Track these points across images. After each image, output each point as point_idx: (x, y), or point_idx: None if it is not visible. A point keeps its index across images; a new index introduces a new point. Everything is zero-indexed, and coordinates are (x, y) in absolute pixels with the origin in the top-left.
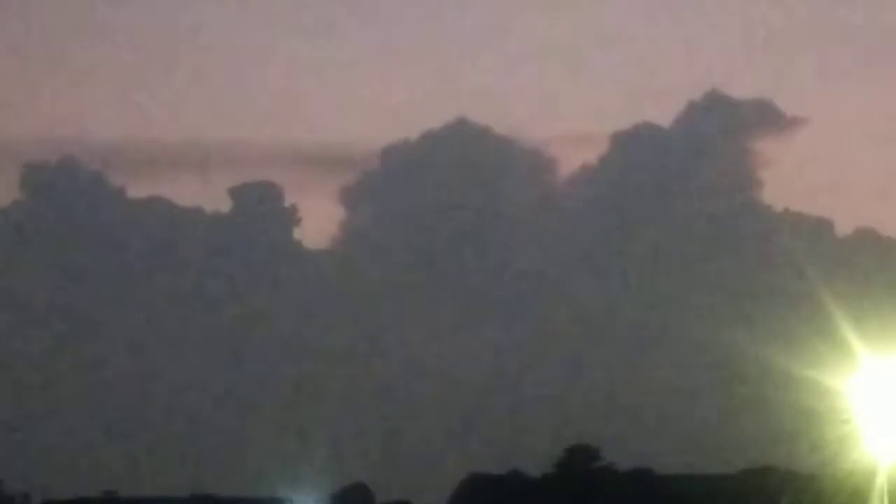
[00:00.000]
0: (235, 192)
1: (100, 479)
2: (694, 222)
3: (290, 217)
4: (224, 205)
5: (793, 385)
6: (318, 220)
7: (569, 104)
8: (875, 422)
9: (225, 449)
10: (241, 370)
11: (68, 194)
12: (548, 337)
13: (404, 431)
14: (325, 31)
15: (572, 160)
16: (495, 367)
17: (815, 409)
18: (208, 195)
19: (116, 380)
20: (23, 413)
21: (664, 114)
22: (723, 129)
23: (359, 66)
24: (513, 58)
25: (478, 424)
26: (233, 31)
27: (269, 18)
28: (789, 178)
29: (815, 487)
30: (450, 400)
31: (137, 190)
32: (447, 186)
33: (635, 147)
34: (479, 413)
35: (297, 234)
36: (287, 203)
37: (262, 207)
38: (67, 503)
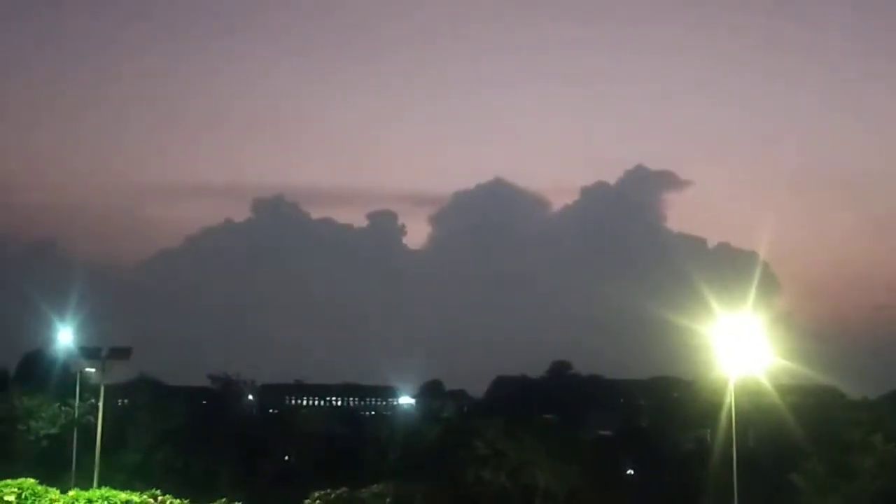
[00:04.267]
0: (371, 216)
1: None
2: (628, 238)
3: (400, 231)
4: (363, 223)
5: (678, 329)
6: (417, 233)
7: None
8: (726, 352)
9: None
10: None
11: (279, 216)
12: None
13: (458, 350)
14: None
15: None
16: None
17: (692, 343)
18: (355, 217)
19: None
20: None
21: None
22: (647, 187)
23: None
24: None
25: (503, 351)
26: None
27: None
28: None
29: (694, 389)
30: (485, 334)
31: (316, 214)
32: (486, 215)
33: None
34: (504, 342)
35: (405, 240)
36: (399, 222)
37: (385, 224)
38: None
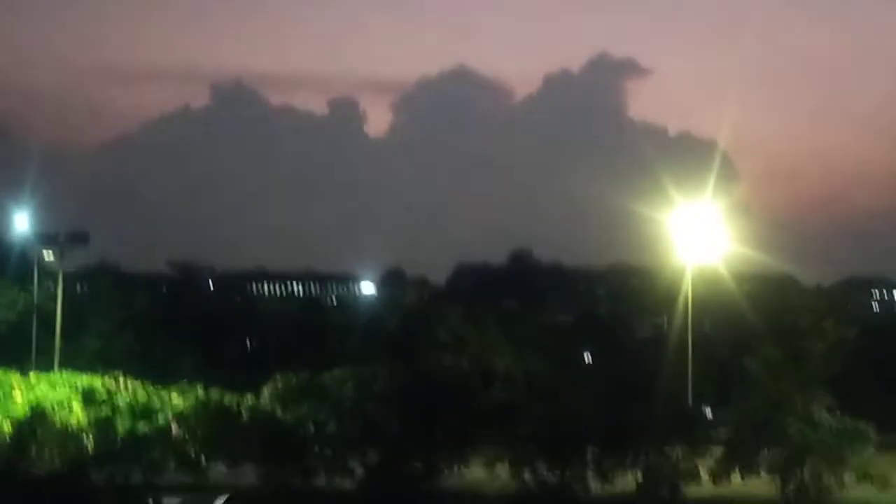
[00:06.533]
0: (331, 103)
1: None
2: (589, 126)
3: (362, 118)
4: (325, 109)
5: (638, 217)
6: (379, 120)
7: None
8: (684, 240)
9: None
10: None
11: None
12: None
13: (420, 238)
14: None
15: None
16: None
17: (651, 231)
18: (315, 104)
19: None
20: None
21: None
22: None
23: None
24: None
25: (464, 239)
26: None
27: None
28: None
29: (652, 277)
30: (446, 222)
31: (276, 100)
32: (448, 103)
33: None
34: (466, 230)
35: (367, 128)
36: (361, 109)
37: (346, 111)
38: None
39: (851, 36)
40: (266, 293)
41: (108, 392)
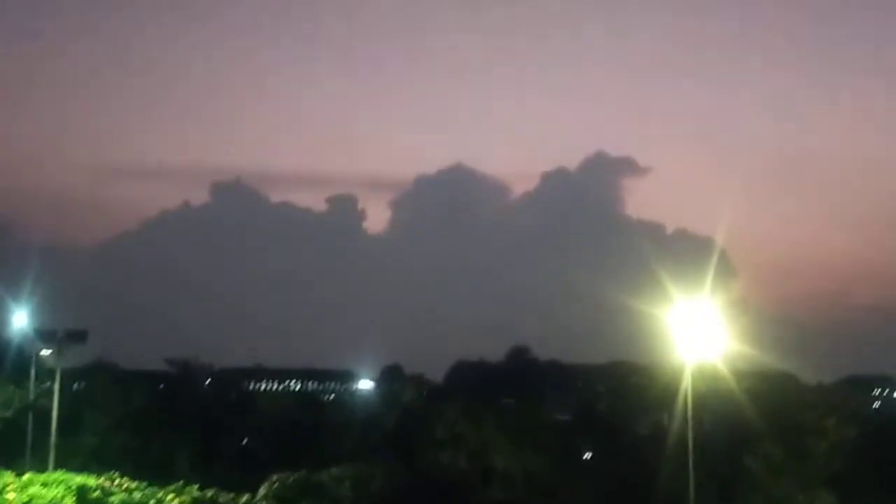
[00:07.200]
0: (330, 200)
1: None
2: (587, 224)
3: (360, 215)
4: (323, 207)
5: (636, 314)
6: (377, 218)
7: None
8: (683, 337)
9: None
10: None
11: (237, 199)
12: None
13: (418, 334)
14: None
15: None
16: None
17: (650, 328)
18: (314, 201)
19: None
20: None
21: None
22: (607, 173)
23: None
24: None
25: (462, 336)
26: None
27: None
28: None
29: (651, 374)
30: (444, 319)
31: (276, 197)
32: (447, 200)
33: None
34: (464, 326)
35: (365, 225)
36: (360, 207)
37: (345, 209)
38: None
39: (851, 136)
40: (263, 390)
41: (104, 492)
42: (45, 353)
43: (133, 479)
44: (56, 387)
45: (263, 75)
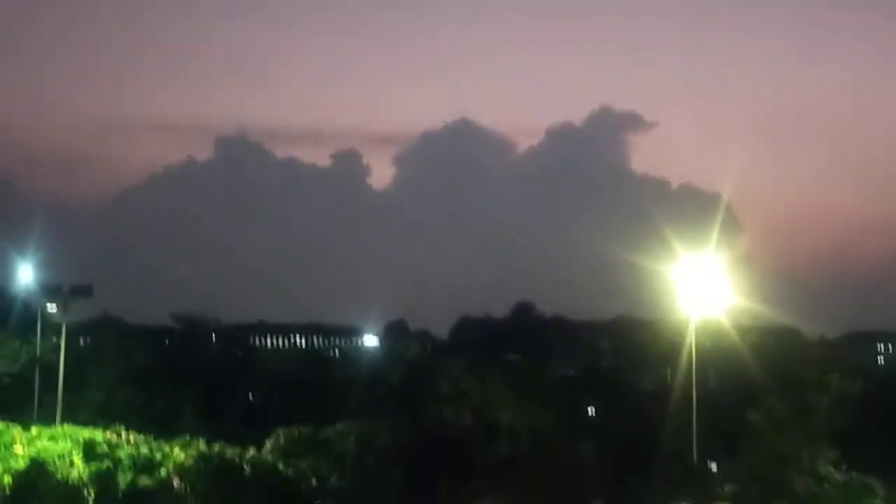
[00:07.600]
0: (335, 155)
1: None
2: (592, 179)
3: (365, 171)
4: (328, 162)
5: (641, 270)
6: (382, 173)
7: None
8: (688, 293)
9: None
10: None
11: (242, 154)
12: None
13: (422, 290)
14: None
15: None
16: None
17: (654, 284)
18: (319, 157)
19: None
20: None
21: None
22: (612, 128)
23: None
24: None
25: (467, 291)
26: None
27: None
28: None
29: (655, 330)
30: (449, 275)
31: (280, 153)
32: (451, 156)
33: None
34: (469, 282)
35: (370, 180)
36: (364, 162)
37: (350, 164)
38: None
39: (852, 90)
40: (269, 346)
41: (110, 445)
42: (51, 308)
43: (139, 433)
44: (62, 341)
45: (266, 29)
